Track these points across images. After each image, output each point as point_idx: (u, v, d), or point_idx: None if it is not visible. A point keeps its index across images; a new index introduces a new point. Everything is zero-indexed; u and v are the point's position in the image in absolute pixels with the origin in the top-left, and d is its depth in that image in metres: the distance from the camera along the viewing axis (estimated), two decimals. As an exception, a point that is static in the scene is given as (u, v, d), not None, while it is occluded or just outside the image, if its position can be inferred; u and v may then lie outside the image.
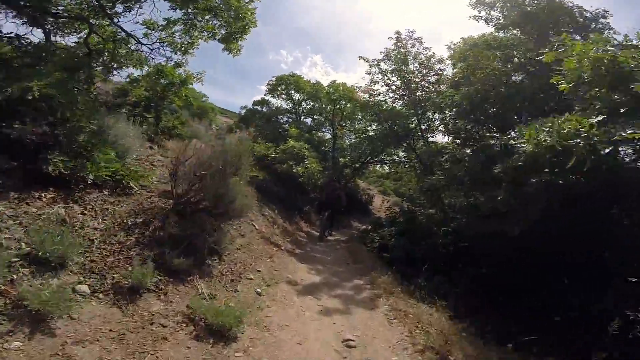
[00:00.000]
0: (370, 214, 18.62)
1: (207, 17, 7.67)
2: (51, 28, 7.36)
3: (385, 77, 13.24)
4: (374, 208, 19.75)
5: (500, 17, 10.17)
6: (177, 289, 3.36)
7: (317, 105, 17.06)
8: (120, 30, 7.36)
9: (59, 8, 6.96)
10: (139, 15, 7.29)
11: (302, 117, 17.71)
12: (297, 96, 17.39)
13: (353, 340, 3.52)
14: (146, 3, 7.07)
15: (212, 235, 4.39)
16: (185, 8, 7.32)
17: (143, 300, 2.99)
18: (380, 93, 13.33)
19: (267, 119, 17.22)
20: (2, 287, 2.39)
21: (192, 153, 4.43)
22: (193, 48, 8.03)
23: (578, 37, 7.78)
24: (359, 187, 19.77)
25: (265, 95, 17.41)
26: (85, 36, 7.21)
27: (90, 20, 7.18)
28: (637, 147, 4.14)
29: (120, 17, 7.20)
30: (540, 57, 8.32)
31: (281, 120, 17.63)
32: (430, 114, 13.01)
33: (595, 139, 3.22)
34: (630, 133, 2.97)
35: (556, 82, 3.96)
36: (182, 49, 8.01)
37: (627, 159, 4.66)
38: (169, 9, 7.37)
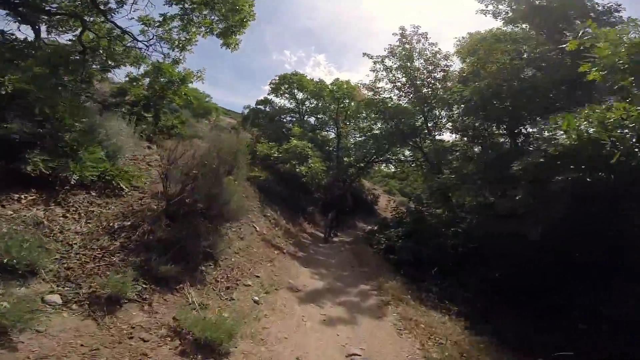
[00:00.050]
0: (376, 214, 18.23)
1: (205, 12, 7.42)
2: (45, 26, 7.18)
3: (390, 74, 12.90)
4: (380, 208, 19.35)
5: (509, 11, 9.78)
6: (164, 299, 3.06)
7: (320, 104, 16.75)
8: (115, 27, 7.14)
9: (52, 6, 6.77)
10: (134, 11, 7.07)
11: (306, 116, 17.43)
12: (300, 95, 17.11)
13: (359, 355, 3.19)
14: (140, -2, 6.84)
15: (207, 238, 4.09)
16: (181, 3, 7.08)
17: (123, 311, 2.69)
18: (385, 90, 12.97)
19: (270, 119, 16.96)
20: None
21: (184, 151, 4.13)
22: (191, 44, 7.79)
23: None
24: (364, 187, 19.41)
25: (268, 94, 17.16)
26: (79, 34, 7.02)
27: (84, 18, 6.98)
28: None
29: (114, 14, 6.98)
30: (551, 53, 7.99)
31: (284, 120, 17.37)
32: (437, 111, 12.64)
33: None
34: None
35: (586, 71, 3.57)
36: (180, 45, 7.76)
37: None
38: (164, 4, 7.13)
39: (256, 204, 8.23)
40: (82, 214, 3.52)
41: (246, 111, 17.76)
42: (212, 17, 7.44)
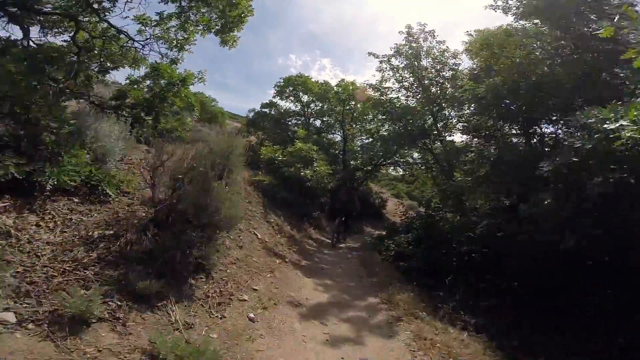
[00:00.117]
0: (384, 218, 17.73)
1: (203, 10, 7.15)
2: (38, 27, 6.99)
3: (397, 74, 12.49)
4: (388, 212, 18.84)
5: (520, 5, 9.31)
6: (143, 317, 2.68)
7: (326, 106, 16.40)
8: (109, 26, 6.91)
9: (46, 6, 6.57)
10: (129, 10, 6.82)
11: (311, 119, 17.11)
12: (305, 98, 16.81)
13: (366, 383, 2.76)
14: (135, -5, 6.59)
15: (199, 248, 3.72)
16: (177, 1, 6.81)
17: (91, 332, 2.33)
18: (392, 90, 12.57)
19: (275, 122, 16.69)
20: None
21: (172, 153, 3.79)
22: (189, 44, 7.51)
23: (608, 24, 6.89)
24: (372, 191, 18.94)
25: (273, 97, 16.90)
26: (73, 34, 6.81)
27: (79, 18, 6.76)
28: None
29: (108, 13, 6.75)
30: (567, 49, 7.48)
31: (290, 123, 17.08)
32: (446, 111, 12.17)
33: None
34: None
35: (632, 57, 3.08)
36: (178, 45, 7.50)
37: None
38: (160, 2, 6.88)
39: (259, 209, 7.88)
40: (59, 223, 3.19)
41: (251, 114, 17.53)
42: (211, 16, 7.18)
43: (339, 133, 16.49)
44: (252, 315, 3.46)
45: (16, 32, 6.19)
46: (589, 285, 4.88)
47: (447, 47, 11.86)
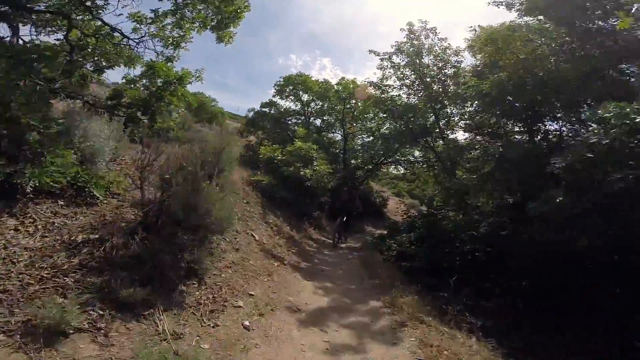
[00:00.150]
0: (385, 217, 17.53)
1: (199, 7, 6.97)
2: (30, 26, 6.83)
3: (398, 72, 12.28)
4: (389, 211, 18.63)
5: (524, 1, 9.07)
6: (127, 327, 2.49)
7: (326, 105, 16.19)
8: (103, 24, 6.74)
9: (40, 5, 6.41)
10: (122, 7, 6.65)
11: (311, 118, 16.91)
12: (305, 97, 16.62)
13: (369, 397, 2.56)
14: (129, -7, 6.42)
15: (191, 252, 3.53)
16: (174, -3, 6.63)
17: (69, 343, 2.15)
18: (394, 88, 12.36)
19: (275, 121, 16.50)
20: None
21: (162, 152, 3.60)
22: (185, 41, 7.32)
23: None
24: (372, 190, 18.74)
25: (273, 97, 16.70)
26: (66, 32, 6.64)
27: (72, 16, 6.59)
28: None
29: (102, 10, 6.58)
30: (573, 45, 7.25)
31: (290, 122, 16.88)
32: (449, 109, 11.96)
33: None
34: None
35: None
36: (174, 42, 7.31)
37: None
38: (156, -1, 6.70)
39: (257, 210, 7.70)
40: (40, 227, 3.00)
41: (250, 114, 17.34)
42: (207, 12, 7.00)
43: (340, 132, 16.28)
44: (247, 323, 3.26)
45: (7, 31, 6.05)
46: (589, 285, 4.74)
47: (449, 44, 11.66)
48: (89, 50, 7.01)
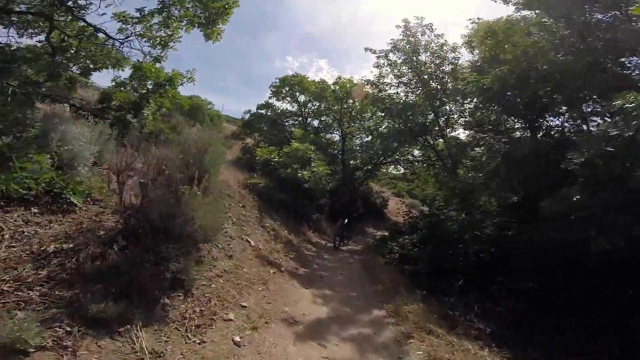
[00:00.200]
0: (386, 218, 17.26)
1: (188, 5, 6.70)
2: (8, 28, 6.55)
3: (395, 70, 12.04)
4: (389, 212, 18.36)
5: (521, -6, 8.84)
6: (99, 345, 2.21)
7: (323, 106, 15.94)
8: (87, 24, 6.47)
9: (20, 6, 6.14)
10: (106, 7, 6.38)
11: (309, 119, 16.65)
12: (302, 98, 16.37)
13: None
14: (112, -8, 6.15)
15: (176, 262, 3.23)
16: (159, -5, 6.38)
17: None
18: (391, 85, 12.11)
19: (272, 123, 16.25)
20: None
21: (137, 154, 3.32)
22: (173, 41, 7.06)
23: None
24: (372, 190, 18.47)
25: (269, 98, 16.45)
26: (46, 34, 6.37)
27: (53, 16, 6.31)
28: None
29: (84, 10, 6.31)
30: (572, 39, 7.03)
31: (287, 124, 16.63)
32: (448, 106, 11.71)
33: None
34: None
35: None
36: (162, 42, 7.04)
37: None
38: (141, -4, 6.44)
39: (254, 213, 7.40)
40: (7, 236, 2.71)
41: (247, 116, 17.07)
42: (196, 11, 6.73)
43: (338, 132, 16.02)
44: (238, 338, 2.97)
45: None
46: (590, 285, 4.65)
47: (445, 40, 11.44)
48: (72, 52, 6.73)
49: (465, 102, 10.95)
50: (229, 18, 6.31)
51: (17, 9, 6.02)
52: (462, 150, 9.22)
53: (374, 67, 12.23)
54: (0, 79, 4.18)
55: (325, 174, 10.27)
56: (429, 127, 11.67)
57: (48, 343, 2.04)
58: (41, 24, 6.70)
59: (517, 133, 8.90)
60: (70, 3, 6.34)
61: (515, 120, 8.87)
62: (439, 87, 11.42)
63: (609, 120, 6.82)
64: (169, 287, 3.15)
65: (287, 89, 16.20)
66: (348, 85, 14.66)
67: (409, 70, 11.75)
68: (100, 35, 6.73)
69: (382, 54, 11.95)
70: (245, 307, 3.58)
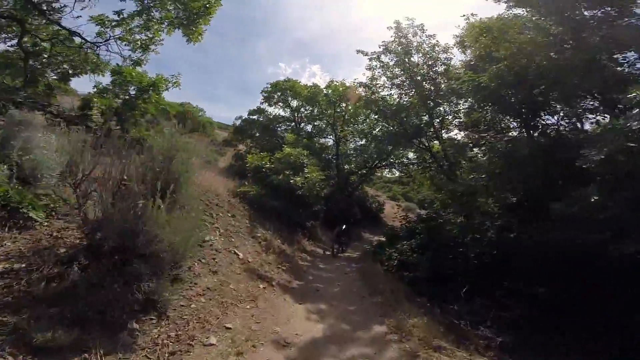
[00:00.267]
0: (382, 223, 16.93)
1: (170, 8, 6.39)
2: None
3: (388, 72, 11.82)
4: (385, 216, 18.03)
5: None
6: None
7: (316, 110, 15.68)
8: (60, 28, 6.12)
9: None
10: (81, 9, 6.05)
11: (302, 124, 16.37)
12: (294, 103, 16.11)
13: None
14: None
15: (148, 281, 2.84)
16: (138, -3, 6.07)
17: None
18: (384, 87, 11.88)
19: (264, 128, 15.93)
20: None
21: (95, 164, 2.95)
22: (155, 43, 6.73)
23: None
24: (368, 195, 18.16)
25: (261, 103, 16.17)
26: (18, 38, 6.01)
27: (25, 20, 5.96)
28: None
29: (58, 14, 5.97)
30: (566, 36, 6.88)
31: (279, 129, 16.33)
32: (442, 107, 11.49)
33: None
34: None
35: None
36: (142, 45, 6.71)
37: None
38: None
39: (244, 223, 7.02)
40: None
41: (238, 122, 16.73)
42: (178, 12, 6.43)
43: (331, 137, 15.73)
44: (219, 368, 2.58)
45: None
46: (590, 285, 4.57)
47: (437, 41, 11.25)
48: (46, 56, 6.37)
49: (460, 102, 10.78)
50: (211, 18, 6.01)
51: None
52: (461, 151, 8.96)
53: (366, 69, 11.98)
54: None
55: (319, 180, 9.92)
56: (424, 129, 11.43)
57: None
58: (14, 28, 6.35)
59: (513, 133, 8.71)
60: (44, 6, 6.01)
61: (511, 120, 8.68)
62: (432, 88, 11.22)
63: (608, 116, 6.68)
64: (140, 309, 2.76)
65: (279, 94, 15.96)
66: (341, 89, 14.43)
67: (402, 72, 11.54)
68: (76, 38, 6.40)
69: (374, 56, 11.75)
70: (230, 328, 3.18)
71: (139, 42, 6.66)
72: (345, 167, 14.80)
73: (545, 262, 5.49)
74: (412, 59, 11.45)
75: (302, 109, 16.19)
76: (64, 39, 6.28)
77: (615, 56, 6.31)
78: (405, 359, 3.13)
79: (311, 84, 15.84)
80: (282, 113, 16.40)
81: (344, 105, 14.85)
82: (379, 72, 11.90)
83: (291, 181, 9.18)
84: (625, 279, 4.18)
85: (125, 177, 2.85)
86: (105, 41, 6.36)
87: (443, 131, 11.71)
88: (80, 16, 6.08)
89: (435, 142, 11.92)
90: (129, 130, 7.56)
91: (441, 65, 11.37)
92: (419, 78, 11.25)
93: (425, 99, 11.09)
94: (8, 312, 2.12)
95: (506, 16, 8.51)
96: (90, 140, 6.00)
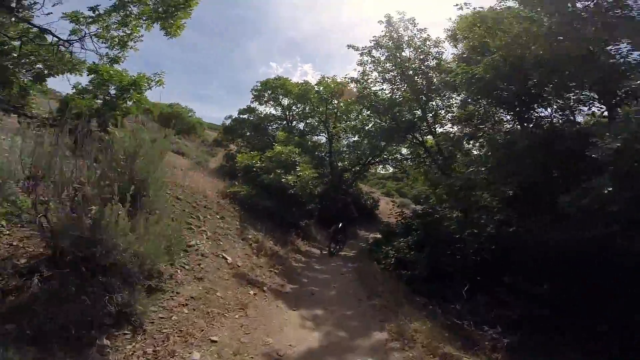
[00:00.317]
0: (378, 220, 16.74)
1: (148, 3, 6.05)
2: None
3: (379, 67, 11.59)
4: (380, 212, 17.85)
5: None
6: None
7: (308, 108, 15.38)
8: (31, 26, 5.74)
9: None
10: (53, 5, 5.67)
11: (294, 122, 16.06)
12: (285, 101, 15.79)
13: None
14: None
15: (120, 291, 2.54)
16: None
17: None
18: (377, 82, 11.67)
19: (255, 128, 15.59)
20: None
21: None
22: (133, 40, 6.37)
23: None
24: (362, 192, 17.95)
25: (251, 102, 15.80)
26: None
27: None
28: None
29: (28, 11, 5.58)
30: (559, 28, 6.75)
31: (271, 128, 16.01)
32: (434, 102, 11.32)
33: None
34: None
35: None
36: (120, 42, 6.35)
37: None
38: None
39: (234, 225, 6.72)
40: None
41: (228, 121, 16.35)
42: (157, 8, 6.08)
43: (324, 134, 15.45)
44: (202, 389, 2.29)
45: None
46: (590, 285, 4.52)
47: (428, 35, 11.06)
48: (15, 55, 5.97)
49: (453, 96, 10.62)
50: (191, 11, 5.68)
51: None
52: (457, 145, 8.78)
53: (357, 64, 11.72)
54: None
55: (312, 178, 9.64)
56: (417, 124, 11.24)
57: None
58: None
59: (507, 125, 8.57)
60: (13, 4, 5.62)
61: (505, 113, 8.54)
62: (424, 82, 11.03)
63: (604, 107, 6.54)
64: (112, 323, 2.46)
65: (269, 92, 15.63)
66: (332, 85, 14.15)
67: (393, 67, 11.33)
68: (49, 36, 6.01)
69: (366, 51, 11.50)
70: (215, 341, 2.89)
71: (116, 39, 6.30)
72: (339, 164, 14.56)
73: (545, 260, 5.39)
74: (403, 53, 11.25)
75: (294, 107, 15.89)
76: (35, 37, 5.88)
77: (608, 47, 6.21)
78: (409, 369, 2.87)
79: (302, 82, 15.55)
80: (274, 112, 16.10)
81: (335, 102, 14.59)
82: (370, 68, 11.69)
83: (282, 180, 8.90)
84: (626, 279, 4.13)
85: (82, 180, 2.54)
86: (79, 39, 5.98)
87: (436, 126, 11.55)
88: (52, 13, 5.67)
89: (429, 137, 11.76)
90: (107, 131, 7.19)
91: (433, 59, 11.19)
92: (410, 72, 11.05)
93: (418, 93, 10.91)
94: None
95: (498, 8, 8.37)
96: (67, 143, 5.63)
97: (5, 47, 5.91)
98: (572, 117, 7.12)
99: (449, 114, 11.17)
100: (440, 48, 11.01)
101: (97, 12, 6.03)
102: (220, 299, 3.62)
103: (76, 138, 6.60)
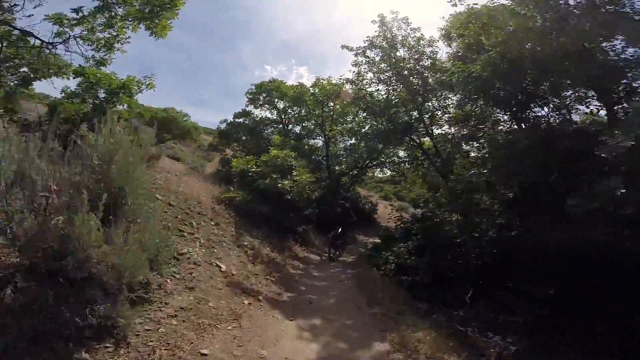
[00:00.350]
0: (376, 224, 16.57)
1: (134, 3, 5.89)
2: None
3: (374, 67, 11.50)
4: (379, 217, 17.67)
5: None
6: None
7: (304, 111, 15.24)
8: (11, 28, 5.56)
9: None
10: (34, 7, 5.50)
11: (290, 125, 15.91)
12: (281, 104, 15.65)
13: None
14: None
15: (102, 303, 2.34)
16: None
17: None
18: (372, 83, 11.57)
19: (250, 131, 15.42)
20: None
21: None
22: (120, 42, 6.21)
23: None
24: (360, 195, 17.78)
25: (246, 106, 15.65)
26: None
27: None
28: None
29: (10, 13, 5.41)
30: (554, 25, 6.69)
31: (266, 132, 15.84)
32: (431, 103, 11.22)
33: None
34: None
35: None
36: (107, 44, 6.18)
37: None
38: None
39: (229, 231, 6.52)
40: None
41: (223, 126, 16.17)
42: (144, 8, 5.93)
43: (320, 137, 15.30)
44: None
45: None
46: (590, 285, 4.48)
47: (422, 34, 10.99)
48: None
49: (449, 96, 10.54)
50: (178, 10, 5.53)
51: None
52: (456, 146, 8.65)
53: (352, 65, 11.62)
54: None
55: (309, 182, 9.46)
56: (414, 125, 11.12)
57: None
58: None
59: (505, 125, 8.49)
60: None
61: (502, 113, 8.45)
62: (420, 82, 10.94)
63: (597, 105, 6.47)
64: (92, 336, 2.27)
65: (264, 95, 15.48)
66: (328, 87, 14.02)
67: (388, 67, 11.24)
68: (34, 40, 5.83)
69: (360, 51, 11.41)
70: (206, 355, 2.69)
71: (102, 41, 6.14)
72: (336, 168, 14.41)
73: (545, 261, 5.27)
74: (397, 53, 11.17)
75: (289, 110, 15.74)
76: (17, 40, 5.70)
77: (603, 44, 6.14)
78: (414, 382, 2.68)
79: (297, 84, 15.43)
80: (269, 115, 15.95)
81: (331, 104, 14.46)
82: (365, 68, 11.59)
83: (279, 185, 8.71)
84: (626, 279, 4.08)
85: (54, 188, 2.35)
86: (63, 41, 5.81)
87: (433, 127, 11.45)
88: (33, 15, 5.50)
89: (426, 138, 11.64)
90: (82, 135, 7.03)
91: (427, 59, 11.11)
92: (405, 73, 10.97)
93: (414, 94, 10.80)
94: None
95: (492, 5, 8.31)
96: (53, 149, 5.43)
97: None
98: (568, 117, 7.05)
99: (446, 115, 11.10)
100: (434, 47, 10.95)
101: (81, 14, 5.87)
102: (212, 309, 3.41)
103: (65, 143, 6.37)
